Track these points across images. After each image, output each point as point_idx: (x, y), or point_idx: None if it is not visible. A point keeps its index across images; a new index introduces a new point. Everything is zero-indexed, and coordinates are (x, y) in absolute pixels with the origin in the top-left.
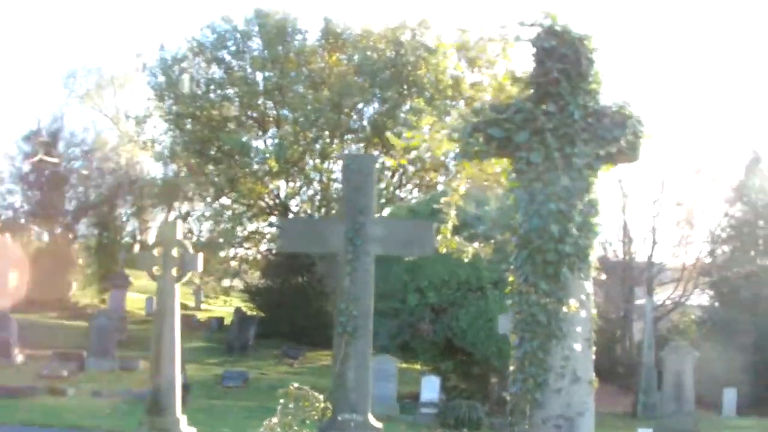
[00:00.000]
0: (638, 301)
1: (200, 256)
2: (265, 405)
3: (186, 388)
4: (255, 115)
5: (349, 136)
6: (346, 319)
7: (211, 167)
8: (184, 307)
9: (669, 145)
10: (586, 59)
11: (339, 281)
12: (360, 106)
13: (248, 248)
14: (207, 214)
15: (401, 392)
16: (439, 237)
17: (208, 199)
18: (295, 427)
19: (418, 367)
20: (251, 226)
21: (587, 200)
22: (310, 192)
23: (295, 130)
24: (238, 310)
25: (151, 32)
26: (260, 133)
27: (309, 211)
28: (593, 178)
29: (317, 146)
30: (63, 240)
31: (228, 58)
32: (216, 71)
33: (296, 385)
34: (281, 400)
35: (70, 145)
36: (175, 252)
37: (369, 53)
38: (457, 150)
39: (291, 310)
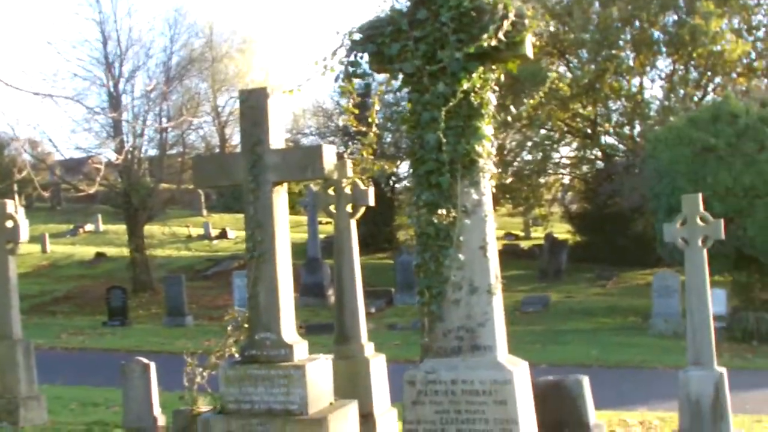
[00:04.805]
0: None
1: (371, 190)
2: (555, 328)
3: None
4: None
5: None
6: (252, 245)
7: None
8: (513, 236)
9: None
10: None
11: (244, 209)
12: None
13: (565, 175)
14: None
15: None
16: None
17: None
18: (233, 348)
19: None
20: (564, 151)
21: (465, 103)
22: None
23: (593, 50)
24: (548, 237)
25: None
26: (555, 59)
27: (614, 130)
28: (468, 81)
29: (612, 64)
30: (387, 187)
31: None
32: None
33: (237, 308)
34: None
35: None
36: (347, 189)
37: None
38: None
39: (609, 234)
